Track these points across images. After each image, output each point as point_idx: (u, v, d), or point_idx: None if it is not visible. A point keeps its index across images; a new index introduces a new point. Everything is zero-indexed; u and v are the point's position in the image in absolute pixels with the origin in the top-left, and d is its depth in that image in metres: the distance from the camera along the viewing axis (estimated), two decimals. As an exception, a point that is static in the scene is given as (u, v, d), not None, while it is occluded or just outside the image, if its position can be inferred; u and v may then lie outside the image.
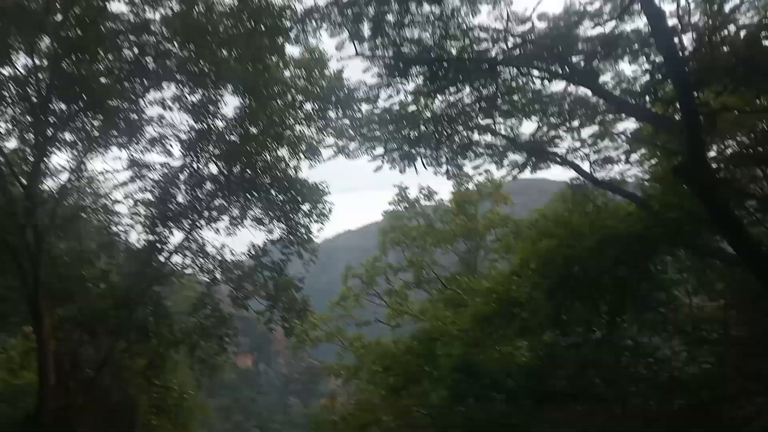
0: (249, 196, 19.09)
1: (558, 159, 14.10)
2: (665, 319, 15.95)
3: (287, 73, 17.14)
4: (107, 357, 18.52)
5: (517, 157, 15.16)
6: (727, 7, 11.51)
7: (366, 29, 10.42)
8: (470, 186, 32.04)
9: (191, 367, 19.50)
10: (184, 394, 24.75)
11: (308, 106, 17.71)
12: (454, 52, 11.53)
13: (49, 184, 17.01)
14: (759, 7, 11.49)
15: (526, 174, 15.71)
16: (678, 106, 12.22)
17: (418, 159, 14.74)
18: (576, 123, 14.32)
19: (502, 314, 16.78)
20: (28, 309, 15.87)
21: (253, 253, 19.35)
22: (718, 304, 15.86)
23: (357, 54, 10.81)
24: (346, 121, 15.64)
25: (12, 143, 15.73)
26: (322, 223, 20.18)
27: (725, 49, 11.98)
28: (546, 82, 12.46)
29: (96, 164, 18.19)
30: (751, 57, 11.36)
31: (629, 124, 14.74)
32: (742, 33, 11.94)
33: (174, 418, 24.49)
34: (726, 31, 11.81)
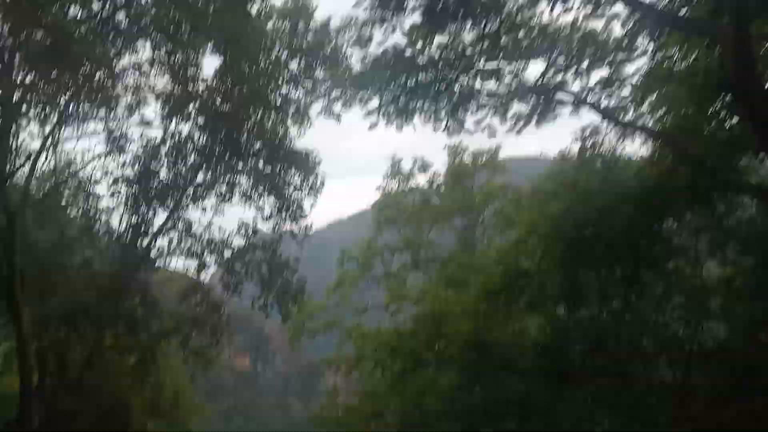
0: (236, 168, 17.88)
1: (572, 100, 12.96)
2: (678, 289, 15.02)
3: (270, 26, 15.85)
4: (93, 354, 17.24)
5: (522, 108, 14.09)
6: None
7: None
8: (465, 157, 31.14)
9: (185, 361, 18.20)
10: (179, 393, 23.43)
11: (294, 65, 16.50)
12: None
13: (20, 162, 15.63)
14: None
15: (529, 135, 14.63)
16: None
17: (416, 113, 13.67)
18: (585, 65, 13.28)
19: (509, 288, 15.76)
20: (5, 303, 14.53)
21: (243, 231, 18.14)
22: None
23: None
24: (337, 75, 14.41)
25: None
26: (315, 198, 19.04)
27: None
28: (554, 12, 11.35)
29: (70, 141, 16.73)
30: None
31: (640, 64, 13.73)
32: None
33: (170, 419, 23.12)
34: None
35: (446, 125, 14.00)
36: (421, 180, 31.21)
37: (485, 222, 31.12)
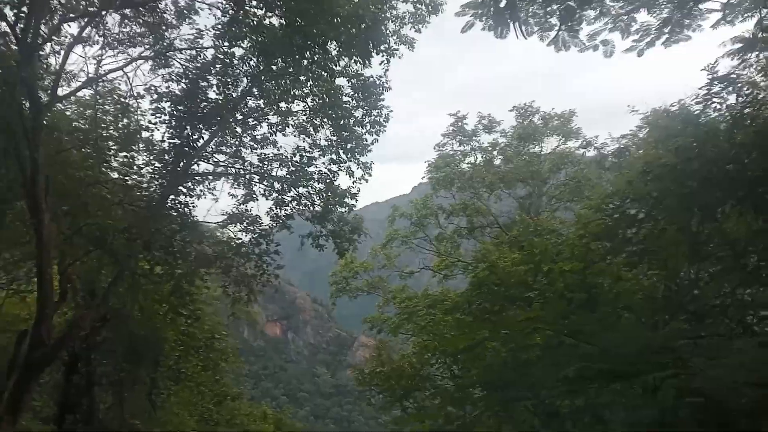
0: (292, 96, 15.90)
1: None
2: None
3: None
4: (124, 278, 15.53)
5: (652, 19, 11.52)
6: None
7: None
8: (535, 119, 28.51)
9: (225, 289, 16.37)
10: (213, 332, 21.89)
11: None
12: None
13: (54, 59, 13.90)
14: None
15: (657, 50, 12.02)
16: None
17: (520, 17, 11.21)
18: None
19: (614, 234, 13.18)
20: (28, 205, 12.87)
21: (298, 159, 16.11)
22: None
23: None
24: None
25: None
26: (377, 135, 16.91)
27: None
28: None
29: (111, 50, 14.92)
30: None
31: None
32: None
33: (203, 359, 21.64)
34: None
35: (556, 36, 11.52)
36: (484, 141, 28.70)
37: (551, 191, 28.52)
